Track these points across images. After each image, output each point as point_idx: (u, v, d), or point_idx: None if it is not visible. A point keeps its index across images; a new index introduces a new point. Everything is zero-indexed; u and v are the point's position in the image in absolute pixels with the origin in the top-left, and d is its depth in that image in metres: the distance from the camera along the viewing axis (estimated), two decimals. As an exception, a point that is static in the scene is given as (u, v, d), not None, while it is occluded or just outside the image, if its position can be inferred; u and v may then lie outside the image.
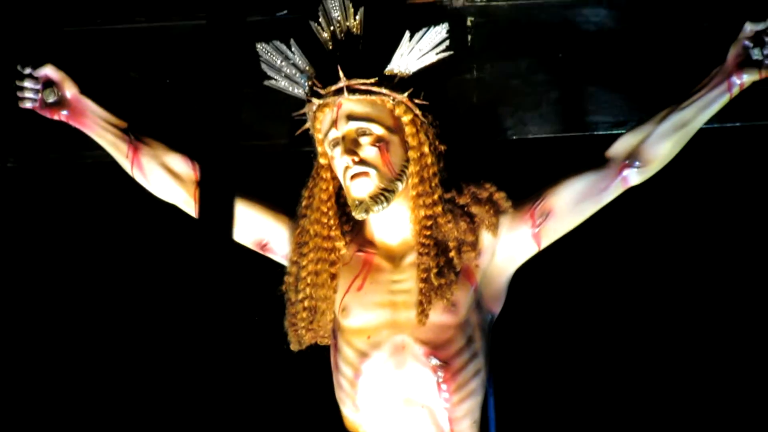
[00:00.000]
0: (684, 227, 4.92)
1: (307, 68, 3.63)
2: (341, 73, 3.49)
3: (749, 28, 3.47)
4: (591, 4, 3.72)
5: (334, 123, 3.51)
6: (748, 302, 4.80)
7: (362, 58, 3.63)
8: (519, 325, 4.02)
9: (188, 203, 3.83)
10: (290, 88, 3.68)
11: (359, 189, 3.48)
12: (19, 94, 3.83)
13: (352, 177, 3.48)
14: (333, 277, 3.63)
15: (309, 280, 3.63)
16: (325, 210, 3.65)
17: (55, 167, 4.22)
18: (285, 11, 3.80)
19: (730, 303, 4.78)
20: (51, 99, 3.78)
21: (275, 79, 3.68)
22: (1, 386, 5.47)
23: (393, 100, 3.52)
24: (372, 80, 3.52)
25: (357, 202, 3.50)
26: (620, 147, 3.53)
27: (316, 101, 3.55)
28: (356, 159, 3.48)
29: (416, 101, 3.55)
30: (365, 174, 3.49)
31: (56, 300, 5.29)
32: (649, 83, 3.64)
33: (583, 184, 3.54)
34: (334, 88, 3.51)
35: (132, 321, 5.35)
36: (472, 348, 3.53)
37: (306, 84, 3.62)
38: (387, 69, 3.56)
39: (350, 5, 3.64)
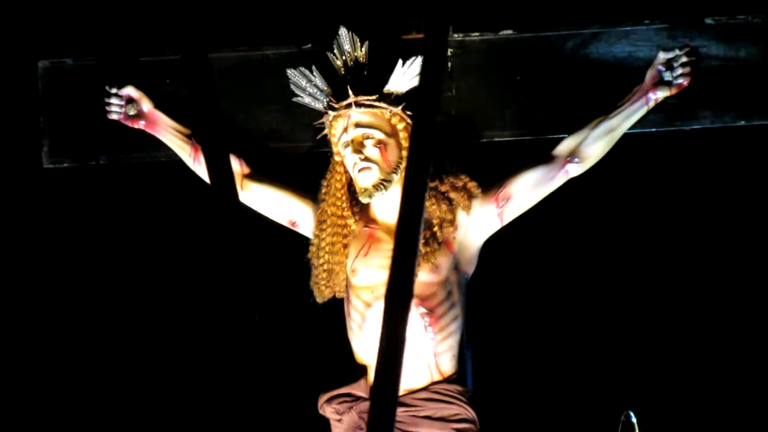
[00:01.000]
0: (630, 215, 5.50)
1: (325, 88, 4.27)
2: (350, 92, 4.14)
3: (662, 56, 4.15)
4: (540, 42, 4.33)
5: (345, 129, 4.16)
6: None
7: (366, 80, 4.26)
8: (492, 283, 4.65)
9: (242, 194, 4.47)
10: (312, 103, 4.31)
11: (365, 179, 4.13)
12: (107, 108, 4.47)
13: (359, 170, 4.13)
14: (345, 246, 4.28)
15: (327, 249, 4.28)
16: (339, 195, 4.30)
17: (128, 166, 4.76)
18: (309, 45, 4.41)
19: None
20: (132, 112, 4.42)
21: (301, 96, 4.29)
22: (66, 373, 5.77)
23: (390, 112, 4.17)
24: (374, 97, 4.17)
25: (363, 189, 4.16)
26: (563, 147, 4.22)
27: (331, 113, 4.20)
28: (362, 157, 4.13)
29: (408, 113, 4.18)
30: (369, 168, 4.14)
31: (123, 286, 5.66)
32: (585, 100, 4.23)
33: (536, 175, 4.22)
34: (345, 103, 4.16)
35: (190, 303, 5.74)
36: (451, 300, 4.20)
37: (324, 100, 4.26)
38: (385, 88, 4.19)
39: (358, 40, 4.26)
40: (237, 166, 4.42)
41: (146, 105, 4.44)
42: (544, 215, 4.46)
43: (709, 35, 4.31)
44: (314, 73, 4.29)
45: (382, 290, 4.17)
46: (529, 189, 4.22)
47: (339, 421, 4.34)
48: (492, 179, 4.29)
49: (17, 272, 5.83)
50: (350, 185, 4.34)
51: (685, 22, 4.32)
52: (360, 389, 4.31)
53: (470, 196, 4.23)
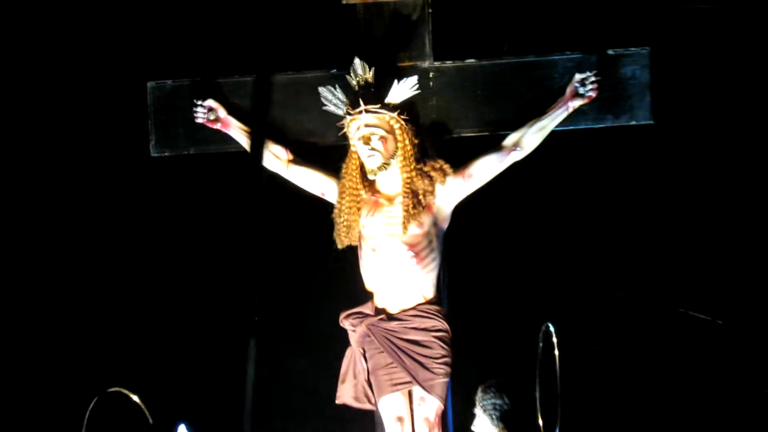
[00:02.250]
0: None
1: (344, 100, 5.09)
2: (362, 103, 4.98)
3: (578, 76, 5.03)
4: (495, 67, 5.18)
5: (358, 128, 4.99)
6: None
7: (373, 94, 5.07)
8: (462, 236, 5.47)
9: (282, 171, 5.22)
10: (336, 111, 5.12)
11: (371, 163, 4.99)
12: (195, 114, 5.27)
13: (368, 157, 4.98)
14: (358, 209, 5.07)
15: (346, 211, 5.07)
16: (354, 174, 5.10)
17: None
18: (335, 69, 5.24)
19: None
20: (212, 117, 5.24)
21: (328, 106, 5.12)
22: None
23: (389, 116, 5.00)
24: (378, 106, 5.01)
25: (370, 170, 5.01)
26: (509, 140, 5.07)
27: (348, 117, 5.03)
28: (370, 147, 4.98)
29: (402, 117, 5.00)
30: (374, 155, 4.99)
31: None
32: (524, 107, 5.11)
33: (490, 159, 5.07)
34: (358, 110, 5.00)
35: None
36: (431, 246, 5.04)
37: (344, 108, 5.08)
38: (386, 100, 5.01)
39: (367, 66, 5.04)
40: (284, 153, 5.19)
41: (221, 112, 5.24)
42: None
43: (612, 61, 5.12)
44: (337, 90, 5.14)
45: (383, 239, 5.06)
46: (485, 169, 5.08)
47: (353, 331, 5.09)
48: (460, 162, 5.08)
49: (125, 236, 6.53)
50: (362, 167, 5.12)
51: (595, 52, 5.17)
52: (368, 309, 5.09)
53: (445, 174, 5.05)
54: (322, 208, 5.16)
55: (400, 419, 5.02)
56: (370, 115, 5.02)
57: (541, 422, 4.96)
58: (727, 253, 6.27)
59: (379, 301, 5.10)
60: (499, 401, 4.95)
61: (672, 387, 6.36)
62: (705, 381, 6.37)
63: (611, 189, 6.25)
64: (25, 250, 6.52)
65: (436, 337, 5.02)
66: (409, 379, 4.99)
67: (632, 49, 5.17)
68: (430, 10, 5.27)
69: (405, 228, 4.97)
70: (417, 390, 5.01)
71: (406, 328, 5.03)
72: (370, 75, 5.06)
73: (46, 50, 6.38)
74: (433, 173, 5.07)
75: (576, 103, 5.05)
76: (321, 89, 5.15)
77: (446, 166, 5.08)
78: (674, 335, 6.42)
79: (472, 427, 5.06)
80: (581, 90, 5.04)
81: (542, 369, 5.17)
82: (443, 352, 5.00)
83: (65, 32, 6.38)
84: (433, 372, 4.98)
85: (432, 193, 5.05)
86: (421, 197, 5.02)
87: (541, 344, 5.10)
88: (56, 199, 6.57)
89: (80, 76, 6.34)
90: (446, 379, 5.04)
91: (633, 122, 5.19)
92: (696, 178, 6.17)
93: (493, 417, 4.96)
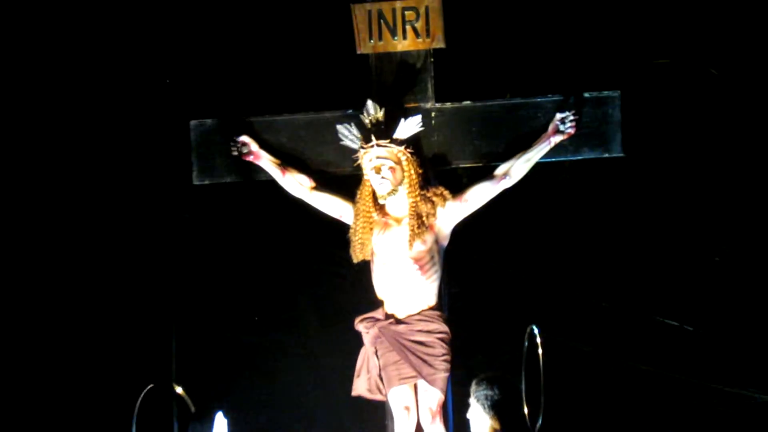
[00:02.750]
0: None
1: (359, 135, 5.44)
2: (373, 138, 5.36)
3: (559, 115, 5.36)
4: (487, 108, 5.54)
5: (370, 160, 5.37)
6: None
7: (383, 131, 5.43)
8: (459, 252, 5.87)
9: (305, 197, 5.58)
10: (351, 145, 5.47)
11: (382, 190, 5.37)
12: (231, 148, 5.60)
13: (379, 184, 5.36)
14: (371, 229, 5.44)
15: (360, 231, 5.46)
16: (367, 199, 5.48)
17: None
18: (350, 110, 5.58)
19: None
20: (245, 150, 5.60)
21: (345, 141, 5.47)
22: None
23: (397, 150, 5.37)
24: (387, 141, 5.38)
25: (381, 196, 5.38)
26: (500, 170, 5.41)
27: (362, 150, 5.41)
28: (380, 176, 5.35)
29: (408, 151, 5.37)
30: (384, 183, 5.35)
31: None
32: (512, 142, 5.47)
33: (484, 186, 5.42)
34: (370, 144, 5.38)
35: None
36: (433, 261, 5.42)
37: (358, 143, 5.43)
38: (394, 136, 5.38)
39: (378, 107, 5.40)
40: (307, 181, 5.58)
41: (254, 146, 5.62)
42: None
43: (588, 103, 5.46)
44: (352, 127, 5.51)
45: (392, 255, 5.40)
46: (479, 195, 5.44)
47: (367, 333, 5.45)
48: (458, 189, 5.45)
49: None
50: (373, 193, 5.48)
51: (573, 94, 5.51)
52: (379, 314, 5.45)
53: (445, 199, 5.43)
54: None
55: (407, 408, 5.39)
56: (380, 148, 5.40)
57: (526, 410, 5.33)
58: (692, 265, 6.66)
59: (389, 308, 5.46)
60: (490, 392, 5.20)
61: (642, 383, 6.74)
62: (672, 378, 6.70)
63: (591, 212, 6.63)
64: (84, 264, 6.90)
65: (437, 338, 5.38)
66: (414, 373, 5.35)
67: (605, 92, 5.50)
68: (432, 60, 5.62)
69: (411, 245, 5.36)
70: (421, 383, 5.36)
71: (412, 330, 5.39)
72: (380, 114, 5.45)
73: (105, 90, 6.76)
74: (434, 198, 5.44)
75: (557, 139, 5.42)
76: (338, 126, 5.53)
77: (446, 192, 5.45)
78: (646, 338, 6.76)
79: (467, 415, 5.28)
80: (561, 127, 5.40)
81: (527, 365, 5.35)
82: (444, 351, 5.36)
83: (122, 74, 6.76)
84: (435, 368, 5.34)
85: (434, 215, 5.42)
86: (424, 219, 5.41)
87: (526, 344, 5.27)
88: (113, 222, 6.97)
89: (134, 114, 6.72)
90: (446, 374, 5.37)
91: (606, 155, 5.52)
92: (663, 202, 6.56)
93: (485, 406, 5.20)
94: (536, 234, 6.78)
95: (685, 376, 6.84)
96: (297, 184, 5.63)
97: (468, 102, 5.64)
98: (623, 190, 6.65)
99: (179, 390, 5.72)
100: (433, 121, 5.61)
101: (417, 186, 5.43)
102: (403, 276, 5.41)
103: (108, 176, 6.93)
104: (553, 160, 5.56)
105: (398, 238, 5.43)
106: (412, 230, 5.38)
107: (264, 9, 6.64)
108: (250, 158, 5.67)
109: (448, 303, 5.61)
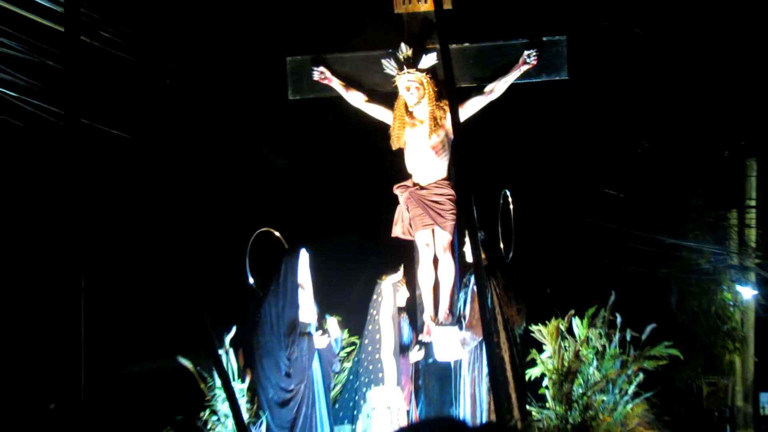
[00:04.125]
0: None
1: (396, 66, 6.94)
2: (405, 67, 6.90)
3: (526, 52, 6.85)
4: (482, 49, 7.27)
5: (403, 82, 6.90)
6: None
7: (411, 63, 6.95)
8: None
9: (361, 106, 7.06)
10: (391, 72, 6.95)
11: (410, 100, 6.94)
12: (312, 74, 7.03)
13: (408, 97, 6.89)
14: (403, 126, 6.96)
15: (396, 128, 7.01)
16: (401, 107, 7.01)
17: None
18: (391, 49, 6.93)
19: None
20: (322, 76, 7.06)
21: (387, 69, 6.93)
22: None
23: (420, 75, 6.91)
24: (414, 70, 6.92)
25: (410, 104, 6.90)
26: (488, 87, 6.98)
27: (398, 76, 6.94)
28: (410, 92, 6.89)
29: (427, 76, 6.87)
30: (411, 96, 6.88)
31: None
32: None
33: (476, 99, 6.98)
34: (403, 72, 6.92)
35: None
36: (445, 147, 6.97)
37: (395, 70, 6.93)
38: (419, 66, 6.89)
39: (408, 47, 6.83)
40: (363, 96, 7.06)
41: (328, 73, 7.13)
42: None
43: (545, 44, 6.93)
44: (391, 60, 7.03)
45: (417, 143, 6.86)
46: (474, 104, 7.02)
47: (401, 194, 6.96)
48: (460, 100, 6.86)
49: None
50: (405, 104, 6.98)
51: (536, 38, 6.98)
52: (409, 183, 6.96)
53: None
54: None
55: (427, 245, 7.05)
56: (409, 74, 7.00)
57: (502, 246, 7.08)
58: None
59: (415, 178, 7.06)
60: (480, 233, 6.91)
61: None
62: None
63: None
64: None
65: (447, 198, 6.99)
66: (431, 222, 6.99)
67: (557, 36, 7.03)
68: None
69: (429, 137, 6.99)
70: (437, 228, 6.99)
71: (430, 193, 7.01)
72: (409, 52, 7.06)
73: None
74: (444, 107, 7.02)
75: (525, 68, 7.02)
76: (383, 60, 7.09)
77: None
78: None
79: (464, 248, 7.04)
80: (528, 60, 7.01)
81: (503, 217, 7.18)
82: (451, 207, 6.96)
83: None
84: (445, 218, 6.97)
85: (444, 118, 7.01)
86: (438, 120, 7.02)
87: (501, 202, 6.97)
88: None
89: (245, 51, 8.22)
90: (453, 222, 6.94)
91: (556, 78, 7.06)
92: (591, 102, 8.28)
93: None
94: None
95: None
96: (356, 98, 7.20)
97: (467, 44, 7.19)
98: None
99: (276, 233, 7.45)
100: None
101: (433, 99, 7.02)
102: (425, 157, 7.02)
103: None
104: (523, 81, 7.09)
105: (421, 132, 7.00)
106: (430, 127, 7.01)
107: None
108: (326, 81, 7.23)
109: (455, 176, 7.11)
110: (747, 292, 14.22)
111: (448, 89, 6.23)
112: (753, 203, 13.86)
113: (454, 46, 7.09)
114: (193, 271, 5.19)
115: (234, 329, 7.15)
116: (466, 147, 6.05)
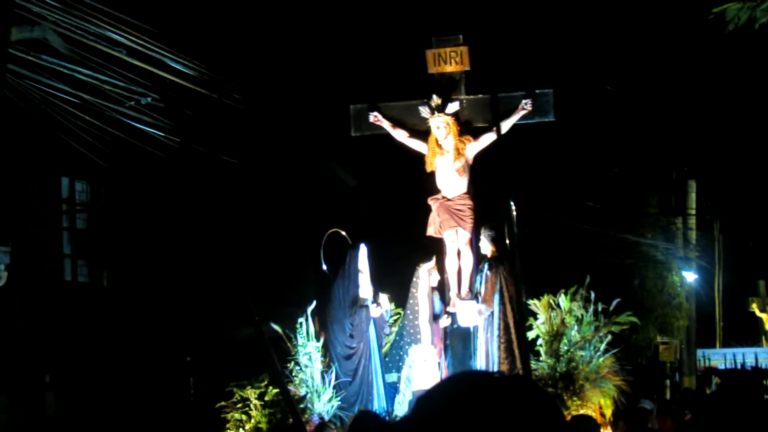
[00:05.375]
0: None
1: (429, 111, 8.40)
2: (436, 112, 8.40)
3: (524, 100, 8.38)
4: (492, 99, 9.10)
5: (435, 122, 8.39)
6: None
7: (441, 108, 8.40)
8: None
9: (405, 141, 8.52)
10: (426, 115, 8.37)
11: (440, 135, 8.43)
12: (369, 117, 8.53)
13: (438, 133, 8.37)
14: (434, 155, 8.38)
15: (430, 156, 8.42)
16: (432, 141, 8.45)
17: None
18: (425, 99, 8.39)
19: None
20: (375, 119, 8.54)
21: (422, 113, 8.38)
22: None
23: (447, 117, 8.38)
24: (442, 113, 8.39)
25: (439, 139, 8.39)
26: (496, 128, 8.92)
27: (431, 117, 8.42)
28: (439, 130, 8.36)
29: (452, 118, 8.33)
30: (440, 132, 8.35)
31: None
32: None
33: (487, 136, 8.41)
34: (434, 115, 8.39)
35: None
36: (465, 170, 8.50)
37: (428, 114, 8.39)
38: (446, 111, 8.35)
39: (438, 97, 8.27)
40: (405, 133, 8.47)
41: (379, 116, 8.59)
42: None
43: (538, 96, 8.45)
44: (426, 107, 8.48)
45: (445, 167, 8.34)
46: (484, 140, 8.44)
47: (433, 204, 8.39)
48: (475, 137, 8.44)
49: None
50: (435, 138, 8.45)
51: (531, 90, 8.46)
52: (439, 196, 8.38)
53: (469, 142, 8.44)
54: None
55: (452, 241, 8.57)
56: (439, 117, 8.52)
57: (508, 242, 8.69)
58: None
59: (443, 193, 8.55)
60: (491, 232, 8.48)
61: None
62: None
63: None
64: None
65: (468, 207, 8.50)
66: (455, 224, 8.50)
67: (546, 89, 8.55)
68: (464, 75, 8.65)
69: (454, 162, 8.51)
70: (459, 229, 8.51)
71: (455, 203, 8.52)
72: (439, 101, 8.58)
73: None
74: (465, 141, 8.57)
75: (523, 112, 8.55)
76: (420, 107, 8.60)
77: (470, 137, 8.55)
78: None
79: (480, 243, 8.57)
80: (525, 106, 8.53)
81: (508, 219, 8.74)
82: (471, 213, 8.46)
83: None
84: (465, 222, 8.47)
85: (464, 149, 8.56)
86: (460, 150, 8.56)
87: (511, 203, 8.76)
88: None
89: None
90: (472, 224, 8.43)
91: (546, 120, 8.59)
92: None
93: (489, 238, 8.48)
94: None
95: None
96: (400, 134, 8.73)
97: (481, 95, 8.74)
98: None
99: (343, 233, 9.06)
100: (464, 103, 8.75)
101: (456, 135, 8.56)
102: (450, 177, 8.55)
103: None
104: (522, 122, 8.64)
105: (448, 159, 8.53)
106: (455, 156, 8.59)
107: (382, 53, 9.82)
108: (378, 123, 8.78)
109: (473, 192, 8.68)
110: (690, 276, 18.33)
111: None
112: (693, 212, 17.91)
113: (471, 96, 8.63)
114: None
115: (313, 303, 8.79)
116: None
